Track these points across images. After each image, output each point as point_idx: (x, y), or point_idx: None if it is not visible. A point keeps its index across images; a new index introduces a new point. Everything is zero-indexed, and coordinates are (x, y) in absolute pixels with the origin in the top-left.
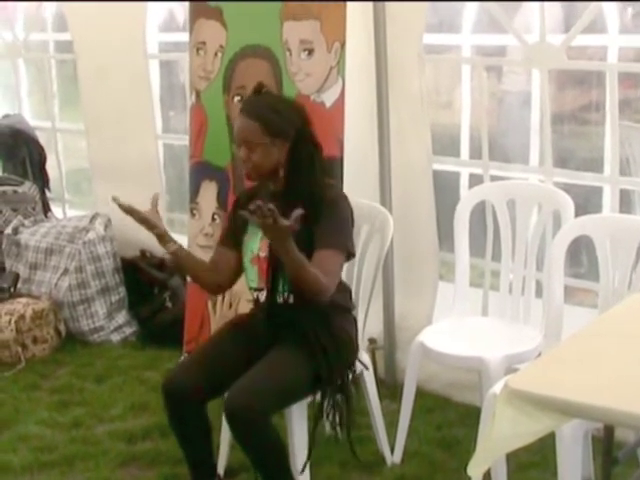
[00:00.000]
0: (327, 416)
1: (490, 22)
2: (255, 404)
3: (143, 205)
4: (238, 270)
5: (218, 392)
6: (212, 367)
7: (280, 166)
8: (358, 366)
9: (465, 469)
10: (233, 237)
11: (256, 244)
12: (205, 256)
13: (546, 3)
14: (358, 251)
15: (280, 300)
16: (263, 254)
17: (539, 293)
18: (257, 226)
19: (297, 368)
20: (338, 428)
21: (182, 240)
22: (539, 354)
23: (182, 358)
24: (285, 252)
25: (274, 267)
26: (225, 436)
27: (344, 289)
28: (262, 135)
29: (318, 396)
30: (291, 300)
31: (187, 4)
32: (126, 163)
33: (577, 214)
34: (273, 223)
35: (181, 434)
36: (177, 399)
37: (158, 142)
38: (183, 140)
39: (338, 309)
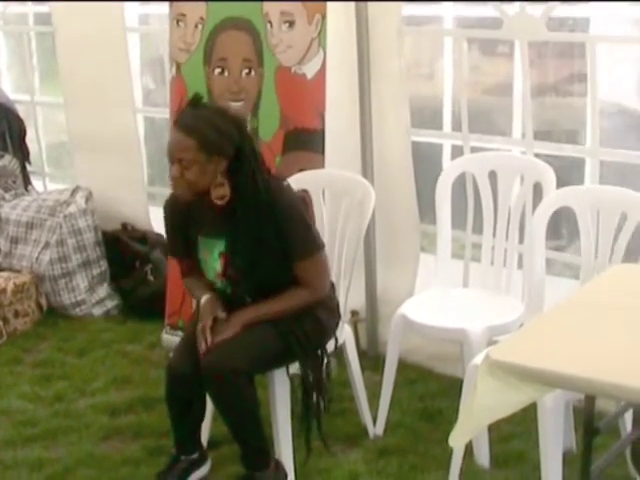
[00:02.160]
0: (303, 390)
1: None
2: (227, 362)
3: (122, 177)
4: None
5: None
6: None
7: (214, 185)
8: (340, 338)
9: (447, 440)
10: (186, 245)
11: (217, 262)
12: None
13: None
14: (339, 223)
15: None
16: (224, 269)
17: (520, 264)
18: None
19: (267, 337)
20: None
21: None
22: (521, 325)
23: (164, 331)
24: (252, 320)
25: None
26: (208, 407)
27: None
28: (198, 152)
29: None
30: (248, 300)
31: None
32: (105, 136)
33: (559, 186)
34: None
35: (177, 413)
36: (181, 382)
37: (137, 115)
38: (164, 113)
39: None
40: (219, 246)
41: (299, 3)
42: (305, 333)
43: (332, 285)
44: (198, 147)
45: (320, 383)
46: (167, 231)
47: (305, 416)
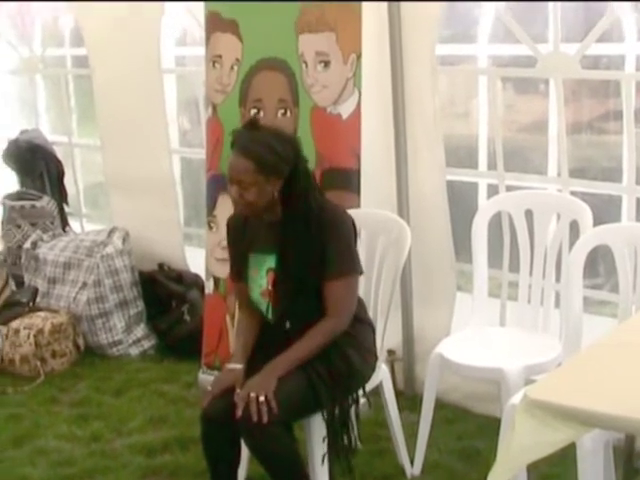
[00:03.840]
0: (335, 435)
1: (506, 32)
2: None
3: (158, 218)
4: None
5: None
6: None
7: (274, 202)
8: (378, 377)
9: None
10: (245, 267)
11: (264, 279)
12: (222, 268)
13: (560, 13)
14: (375, 262)
15: (279, 327)
16: (271, 287)
17: (557, 303)
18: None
19: (299, 386)
20: (357, 441)
21: (200, 253)
22: (559, 364)
23: (201, 371)
24: (284, 370)
25: (281, 298)
26: (244, 449)
27: (373, 328)
28: (256, 174)
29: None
30: (288, 325)
31: (203, 19)
32: (141, 177)
33: (595, 224)
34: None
35: (214, 458)
36: (217, 427)
37: (173, 156)
38: (200, 154)
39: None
40: (269, 262)
41: (334, 43)
42: (335, 380)
43: (371, 326)
44: (256, 169)
45: (346, 425)
46: (230, 254)
47: (331, 457)
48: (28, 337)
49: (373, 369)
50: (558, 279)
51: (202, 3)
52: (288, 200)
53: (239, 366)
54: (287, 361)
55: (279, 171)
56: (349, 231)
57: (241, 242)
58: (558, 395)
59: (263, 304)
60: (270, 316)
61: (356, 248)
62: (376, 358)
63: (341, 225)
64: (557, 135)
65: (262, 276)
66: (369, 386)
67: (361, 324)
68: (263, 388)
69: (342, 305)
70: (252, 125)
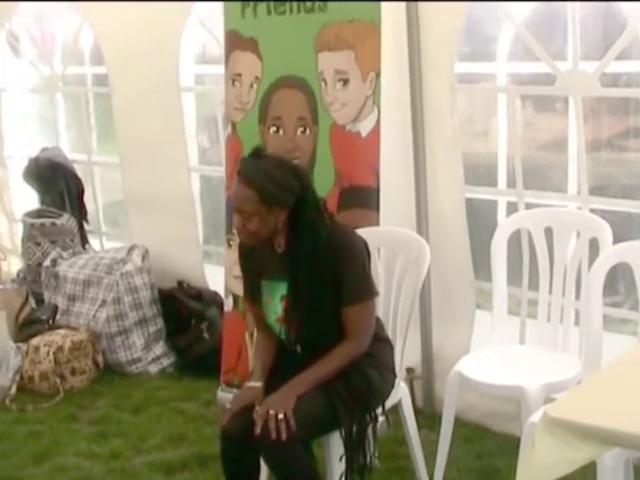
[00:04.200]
0: (352, 453)
1: (525, 50)
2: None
3: (177, 236)
4: None
5: None
6: None
7: (278, 232)
8: (397, 395)
9: None
10: (258, 292)
11: (278, 306)
12: (241, 286)
13: (579, 30)
14: (395, 280)
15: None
16: (284, 314)
17: (577, 321)
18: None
19: (318, 404)
20: (373, 459)
21: (219, 271)
22: (578, 382)
23: (220, 389)
24: (303, 390)
25: (294, 324)
26: (263, 466)
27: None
28: (258, 204)
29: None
30: (299, 350)
31: (222, 37)
32: (161, 195)
33: (615, 241)
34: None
35: (233, 475)
36: (236, 444)
37: (192, 174)
38: (219, 172)
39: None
40: (281, 289)
41: (353, 61)
42: (354, 400)
43: (390, 344)
44: (258, 199)
45: (363, 443)
46: (243, 279)
47: (349, 476)
48: (48, 354)
49: (392, 387)
50: (578, 297)
51: (222, 22)
52: (296, 230)
53: (258, 384)
54: (306, 380)
55: (282, 202)
56: (362, 254)
57: (253, 269)
58: (578, 413)
59: (280, 330)
60: (288, 340)
61: (370, 269)
62: (395, 376)
63: (353, 249)
64: (577, 153)
65: (276, 303)
66: (388, 404)
67: (379, 342)
68: (282, 406)
69: (361, 329)
70: (257, 154)
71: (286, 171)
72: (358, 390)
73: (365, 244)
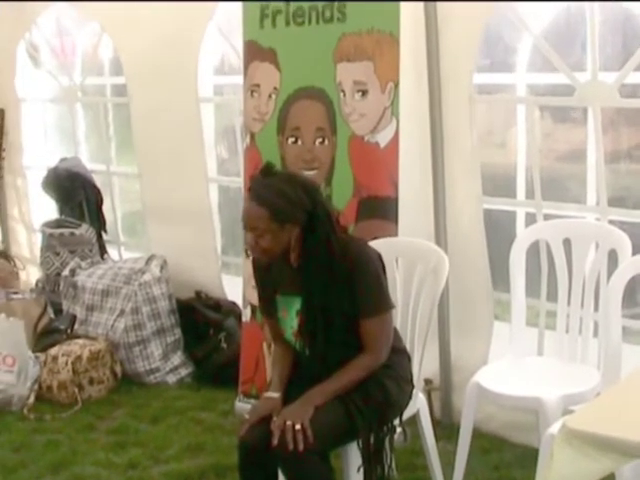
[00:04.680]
0: (370, 464)
1: (544, 61)
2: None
3: (196, 246)
4: None
5: None
6: None
7: (291, 248)
8: (415, 406)
9: None
10: (274, 307)
11: (294, 320)
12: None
13: (598, 41)
14: (413, 291)
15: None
16: (300, 327)
17: (596, 332)
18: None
19: (336, 415)
20: (391, 470)
21: (237, 281)
22: (597, 394)
23: (238, 399)
24: (324, 399)
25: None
26: (281, 477)
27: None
28: (270, 222)
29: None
30: (317, 365)
31: (241, 48)
32: (179, 205)
33: (634, 253)
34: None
35: None
36: (254, 455)
37: (211, 185)
38: (238, 182)
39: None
40: (296, 304)
41: (372, 71)
42: (372, 411)
43: (407, 355)
44: (270, 217)
45: (381, 454)
46: (257, 291)
47: None
48: (66, 364)
49: (410, 398)
50: (597, 308)
51: (241, 33)
52: (309, 245)
53: (276, 395)
54: (324, 392)
55: (294, 218)
56: (376, 267)
57: (268, 283)
58: (597, 425)
59: (297, 344)
60: (305, 353)
61: (385, 282)
62: (412, 387)
63: (367, 262)
64: (595, 164)
65: (292, 317)
66: (406, 415)
67: (397, 354)
68: (299, 417)
69: (379, 342)
70: (266, 172)
71: (296, 187)
72: (376, 401)
73: (379, 256)
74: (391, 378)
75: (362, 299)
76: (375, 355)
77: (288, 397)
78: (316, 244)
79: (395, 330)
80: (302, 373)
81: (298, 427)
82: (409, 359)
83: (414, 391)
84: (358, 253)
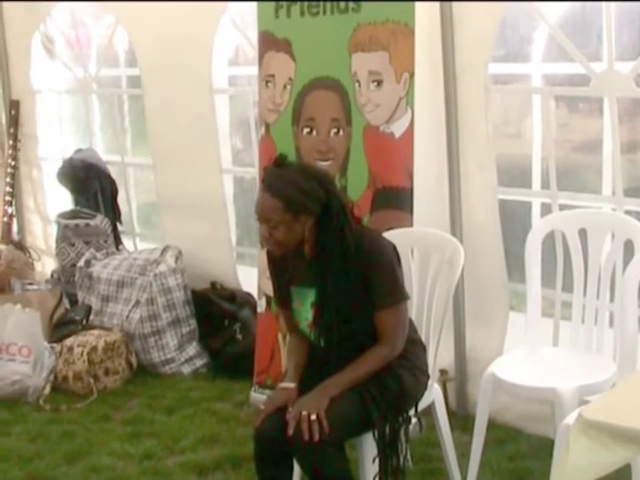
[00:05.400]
0: (385, 454)
1: (560, 50)
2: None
3: (210, 237)
4: None
5: None
6: None
7: (305, 240)
8: (430, 397)
9: None
10: (289, 298)
11: (309, 312)
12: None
13: (614, 31)
14: (428, 281)
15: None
16: (315, 318)
17: (612, 323)
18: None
19: (352, 406)
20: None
21: (252, 272)
22: (613, 384)
23: (253, 390)
24: (336, 391)
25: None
26: (296, 468)
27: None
28: (284, 213)
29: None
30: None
31: (256, 38)
32: (193, 197)
33: None
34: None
35: (266, 476)
36: (270, 446)
37: (226, 176)
38: (252, 173)
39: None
40: (311, 296)
41: (387, 62)
42: (387, 402)
43: (423, 346)
44: (284, 208)
45: (396, 445)
46: (272, 282)
47: (382, 477)
48: (81, 355)
49: (425, 389)
50: (612, 299)
51: (255, 24)
52: (323, 237)
53: (292, 385)
54: (339, 382)
55: (308, 209)
56: (390, 258)
57: (282, 275)
58: (614, 415)
59: (312, 335)
60: (321, 344)
61: (400, 273)
62: (428, 377)
63: (382, 254)
64: (611, 154)
65: (307, 309)
66: (421, 405)
67: (412, 344)
68: (314, 407)
69: (394, 333)
70: (280, 163)
71: (310, 178)
72: (391, 392)
73: (394, 247)
74: (406, 369)
75: (377, 290)
76: (391, 346)
77: (303, 388)
78: (330, 236)
79: (410, 321)
80: (317, 364)
81: (314, 417)
82: (424, 350)
83: (429, 382)
84: (372, 244)
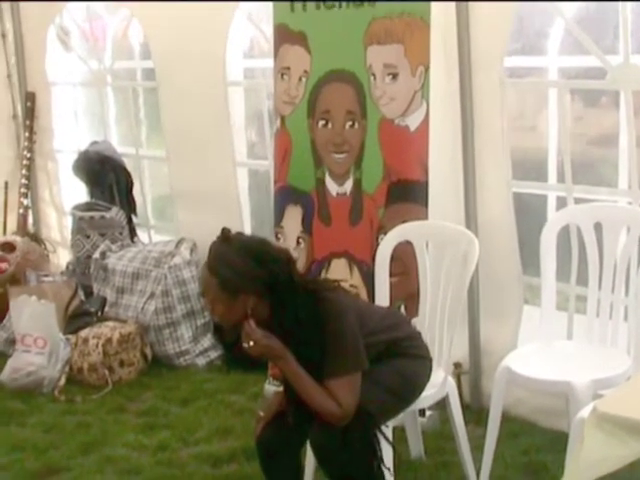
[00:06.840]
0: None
1: (576, 44)
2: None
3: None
4: None
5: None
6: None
7: (255, 313)
8: (444, 390)
9: None
10: None
11: None
12: None
13: (630, 24)
14: (442, 274)
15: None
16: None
17: (626, 316)
18: None
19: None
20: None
21: None
22: (628, 378)
23: (267, 382)
24: (282, 367)
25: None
26: (310, 461)
27: (413, 336)
28: (220, 292)
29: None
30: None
31: (271, 31)
32: (207, 189)
33: None
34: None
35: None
36: (274, 457)
37: (241, 168)
38: (266, 166)
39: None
40: None
41: (402, 55)
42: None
43: (429, 360)
44: (219, 286)
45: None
46: None
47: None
48: (97, 346)
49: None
50: (627, 293)
51: (270, 16)
52: (277, 313)
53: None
54: (289, 368)
55: (245, 289)
56: (347, 326)
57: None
58: (628, 409)
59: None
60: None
61: (358, 339)
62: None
63: (337, 323)
64: (627, 147)
65: None
66: (435, 398)
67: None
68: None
69: (344, 401)
70: (224, 238)
71: (247, 258)
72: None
73: (355, 309)
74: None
75: (329, 358)
76: (342, 409)
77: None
78: (281, 310)
79: (417, 334)
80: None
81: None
82: (430, 369)
83: (444, 375)
84: (329, 312)
